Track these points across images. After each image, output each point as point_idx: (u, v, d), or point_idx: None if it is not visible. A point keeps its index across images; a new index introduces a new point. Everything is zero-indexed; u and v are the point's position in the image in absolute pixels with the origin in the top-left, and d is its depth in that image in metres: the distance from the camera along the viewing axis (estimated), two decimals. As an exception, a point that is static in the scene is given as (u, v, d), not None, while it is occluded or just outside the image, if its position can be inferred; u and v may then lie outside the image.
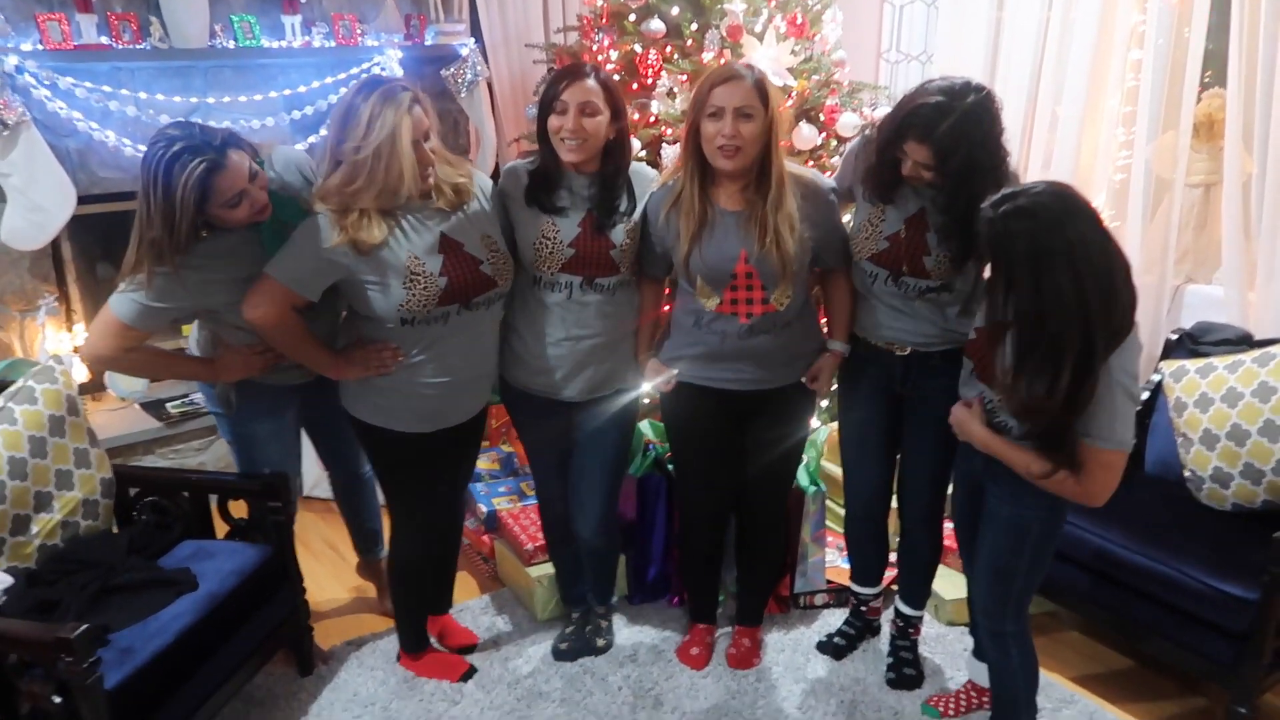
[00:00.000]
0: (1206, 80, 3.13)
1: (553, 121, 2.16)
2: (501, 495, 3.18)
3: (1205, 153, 3.22)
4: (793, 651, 2.69)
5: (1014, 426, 1.92)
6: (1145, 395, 2.84)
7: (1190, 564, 2.36)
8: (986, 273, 1.92)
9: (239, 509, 2.49)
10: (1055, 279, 1.65)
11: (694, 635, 2.69)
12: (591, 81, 2.14)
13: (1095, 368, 1.70)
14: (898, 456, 2.44)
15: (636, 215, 2.28)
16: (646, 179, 2.34)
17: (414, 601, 2.57)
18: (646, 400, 2.52)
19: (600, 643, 2.69)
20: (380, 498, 2.81)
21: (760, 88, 2.08)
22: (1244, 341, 2.75)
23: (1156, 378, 2.84)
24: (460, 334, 2.19)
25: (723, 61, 2.96)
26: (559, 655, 2.67)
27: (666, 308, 2.49)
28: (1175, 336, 2.90)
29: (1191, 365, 2.71)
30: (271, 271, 2.06)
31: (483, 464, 3.36)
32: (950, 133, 1.94)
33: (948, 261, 2.12)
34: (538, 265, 2.24)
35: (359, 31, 3.73)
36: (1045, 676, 2.51)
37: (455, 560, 2.67)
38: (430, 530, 2.45)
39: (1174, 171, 3.16)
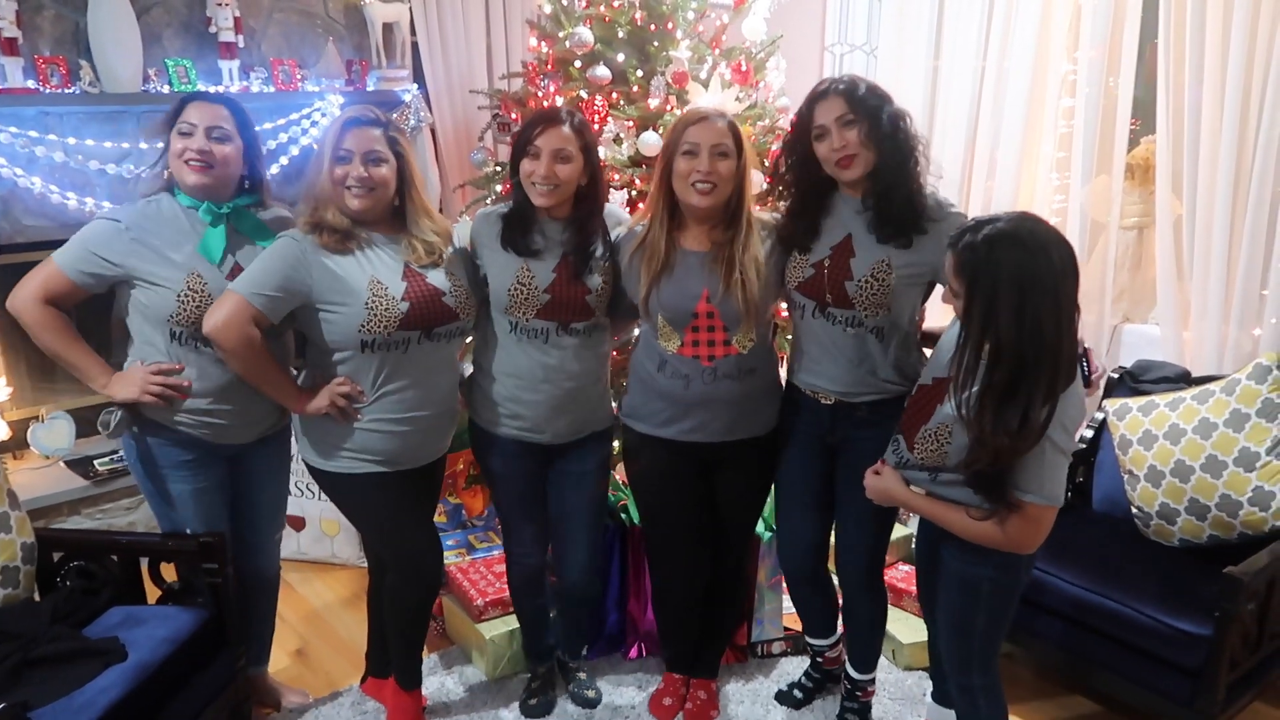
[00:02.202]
0: (1135, 128, 3.24)
1: (525, 165, 2.15)
2: (450, 549, 3.08)
3: (1137, 196, 3.32)
4: (751, 703, 2.64)
5: (925, 479, 1.92)
6: (1090, 433, 2.89)
7: (1142, 601, 2.38)
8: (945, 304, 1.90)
9: (172, 572, 2.37)
10: (1038, 307, 1.63)
11: (668, 685, 2.62)
12: (566, 128, 2.15)
13: (1056, 401, 1.68)
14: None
15: (610, 259, 2.27)
16: (617, 220, 2.34)
17: (419, 634, 2.46)
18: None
19: (591, 694, 2.63)
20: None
21: (733, 130, 2.11)
22: (1183, 379, 2.82)
23: (1100, 415, 2.89)
24: (420, 365, 2.18)
25: (669, 108, 2.97)
26: (529, 712, 2.59)
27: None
28: (1116, 375, 2.95)
29: (1134, 403, 2.76)
30: (234, 286, 2.08)
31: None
32: (849, 79, 2.06)
33: (873, 281, 2.07)
34: (512, 310, 2.21)
35: (299, 76, 3.67)
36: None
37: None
38: (416, 561, 2.34)
39: (1108, 214, 3.25)
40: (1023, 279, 1.63)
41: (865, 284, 2.09)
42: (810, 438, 2.29)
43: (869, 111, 2.02)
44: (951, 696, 2.15)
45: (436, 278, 2.18)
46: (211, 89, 3.47)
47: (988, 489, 1.77)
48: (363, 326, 2.09)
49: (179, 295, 2.10)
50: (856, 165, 2.05)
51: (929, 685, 2.45)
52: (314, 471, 2.28)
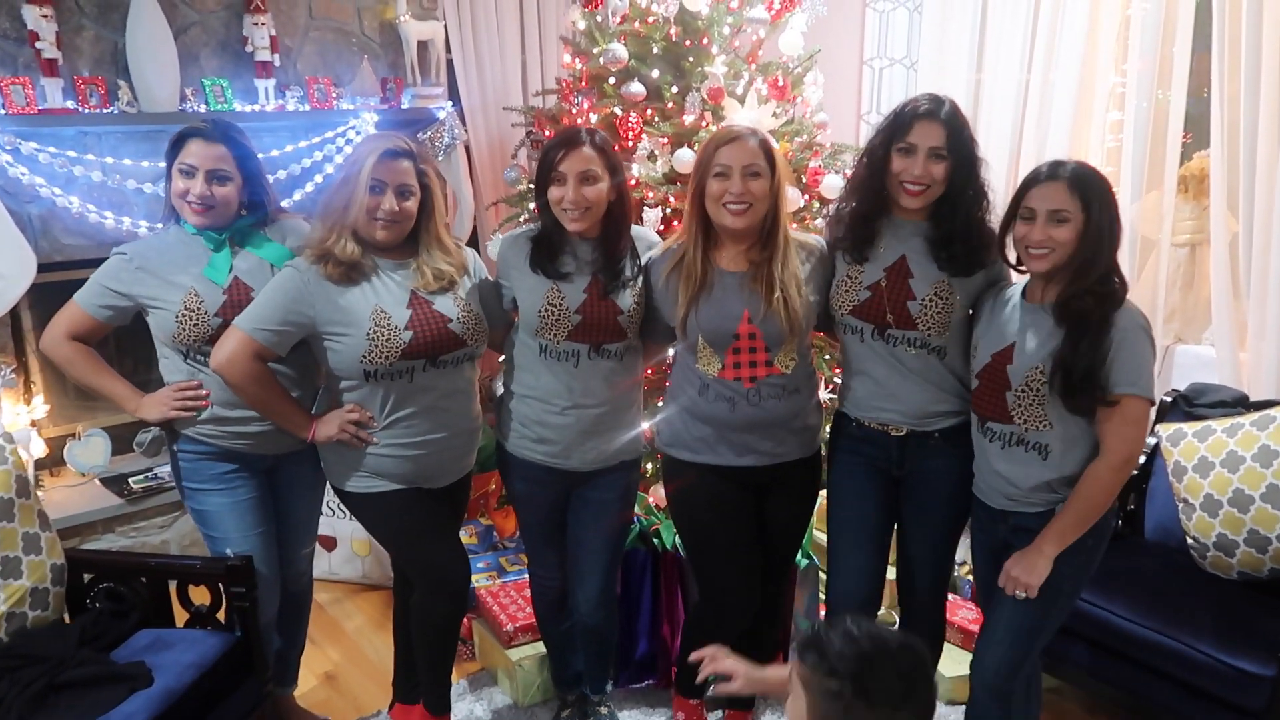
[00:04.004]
0: (1186, 142, 3.14)
1: (553, 192, 2.12)
2: (480, 571, 3.04)
3: (1189, 212, 3.21)
4: (788, 736, 2.56)
5: (1037, 461, 1.94)
6: (1142, 459, 2.78)
7: (1200, 638, 2.28)
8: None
9: (201, 594, 2.35)
10: (1115, 232, 1.91)
11: (690, 712, 2.53)
12: (588, 149, 2.10)
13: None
14: (892, 539, 2.32)
15: (641, 279, 2.23)
16: (648, 243, 2.30)
17: (447, 655, 2.42)
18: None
19: None
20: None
21: (765, 148, 2.06)
22: (1240, 403, 2.70)
23: (1153, 441, 2.78)
24: (429, 393, 2.16)
25: (705, 124, 2.93)
26: None
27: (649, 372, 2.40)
28: (1169, 399, 2.84)
29: (1189, 428, 2.65)
30: (238, 321, 2.10)
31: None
32: (952, 106, 2.03)
33: (937, 301, 2.05)
34: (543, 333, 2.17)
35: (334, 95, 3.68)
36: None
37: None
38: (440, 576, 2.30)
39: (1159, 231, 3.14)
40: (1111, 208, 1.90)
41: (929, 303, 2.06)
42: (872, 472, 2.21)
43: (961, 155, 2.02)
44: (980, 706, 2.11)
45: (444, 304, 2.15)
46: (248, 108, 3.49)
47: (1086, 394, 1.85)
48: (364, 357, 2.08)
49: (177, 315, 2.14)
50: (923, 198, 2.04)
51: None
52: (336, 491, 2.28)
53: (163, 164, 3.28)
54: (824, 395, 2.40)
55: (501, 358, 2.38)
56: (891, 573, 2.41)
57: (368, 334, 2.07)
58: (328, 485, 2.37)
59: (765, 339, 2.10)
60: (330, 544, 3.34)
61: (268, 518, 2.33)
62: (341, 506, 3.23)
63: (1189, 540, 2.57)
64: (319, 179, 3.63)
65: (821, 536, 2.84)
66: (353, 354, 2.08)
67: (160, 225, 2.32)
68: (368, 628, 3.14)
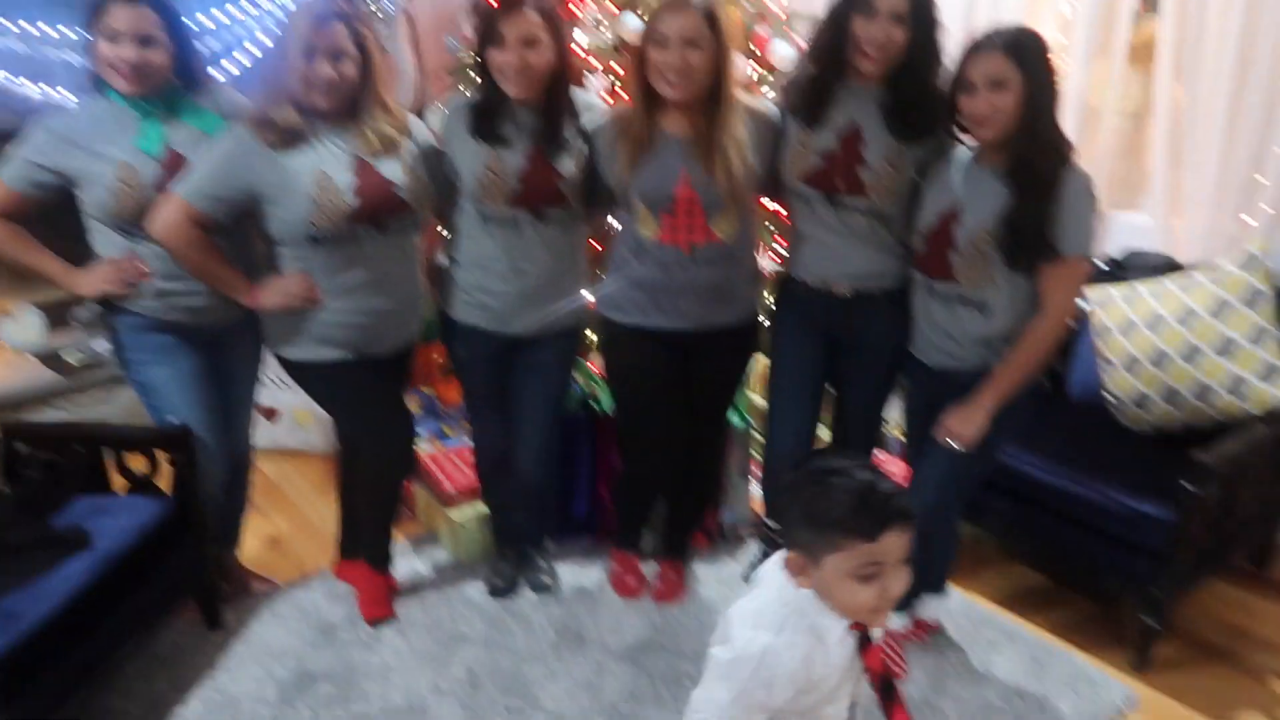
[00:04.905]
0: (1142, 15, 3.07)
1: (494, 56, 2.08)
2: (421, 438, 3.08)
3: (1138, 81, 3.17)
4: (718, 584, 2.67)
5: (979, 320, 2.01)
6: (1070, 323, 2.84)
7: (1110, 486, 2.39)
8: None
9: (139, 464, 2.36)
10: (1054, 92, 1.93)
11: (626, 564, 2.65)
12: (531, 12, 2.05)
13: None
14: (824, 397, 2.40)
15: (583, 145, 2.21)
16: (593, 108, 2.27)
17: (390, 515, 2.50)
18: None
19: (545, 580, 2.64)
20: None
21: (710, 17, 2.02)
22: (1169, 267, 2.75)
23: (1083, 305, 2.82)
24: (373, 258, 2.16)
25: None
26: (496, 593, 2.62)
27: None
28: (1106, 266, 2.88)
29: (1116, 291, 2.70)
30: (176, 187, 2.06)
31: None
32: None
33: (888, 169, 2.07)
34: (484, 199, 2.17)
35: (263, -46, 3.50)
36: (964, 598, 2.59)
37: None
38: (387, 440, 2.36)
39: (1106, 99, 3.11)
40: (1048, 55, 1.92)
41: (881, 170, 2.07)
42: (814, 334, 2.28)
43: (922, 20, 1.99)
44: None
45: (389, 169, 2.13)
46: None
47: (1029, 250, 1.91)
48: (310, 221, 2.06)
49: (110, 189, 2.09)
50: (882, 63, 2.02)
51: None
52: (281, 361, 2.28)
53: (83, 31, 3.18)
54: (764, 263, 2.42)
55: (444, 230, 2.36)
56: (822, 431, 2.49)
57: (312, 197, 2.05)
58: (268, 356, 2.37)
59: (704, 203, 2.11)
60: (273, 415, 3.35)
61: (210, 387, 2.33)
62: (284, 378, 3.22)
63: (1108, 397, 2.65)
64: (249, 47, 3.48)
65: (752, 396, 2.90)
66: (297, 218, 2.07)
67: (84, 95, 2.21)
68: (311, 494, 3.19)
